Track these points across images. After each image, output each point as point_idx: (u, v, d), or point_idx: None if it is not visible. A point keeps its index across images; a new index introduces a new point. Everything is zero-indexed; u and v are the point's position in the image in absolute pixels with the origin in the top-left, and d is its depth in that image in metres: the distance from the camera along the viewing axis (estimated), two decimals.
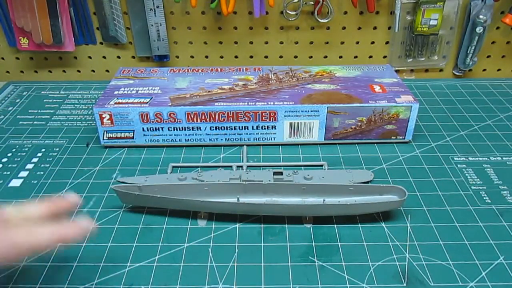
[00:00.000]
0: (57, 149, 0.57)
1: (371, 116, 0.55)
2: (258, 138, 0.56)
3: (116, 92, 0.57)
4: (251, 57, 0.75)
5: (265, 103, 0.54)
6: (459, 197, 0.48)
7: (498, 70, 0.76)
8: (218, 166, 0.53)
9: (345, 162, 0.54)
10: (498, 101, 0.68)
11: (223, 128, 0.55)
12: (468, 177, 0.51)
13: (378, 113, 0.55)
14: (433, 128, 0.61)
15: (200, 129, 0.55)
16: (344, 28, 0.72)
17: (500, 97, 0.69)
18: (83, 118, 0.64)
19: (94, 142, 0.58)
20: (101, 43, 0.74)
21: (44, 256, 0.41)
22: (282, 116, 0.54)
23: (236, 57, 0.75)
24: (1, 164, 0.54)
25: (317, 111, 0.54)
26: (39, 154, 0.56)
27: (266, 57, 0.75)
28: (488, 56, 0.75)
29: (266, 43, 0.74)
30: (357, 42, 0.74)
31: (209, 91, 0.57)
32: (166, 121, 0.54)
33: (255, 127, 0.55)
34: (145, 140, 0.56)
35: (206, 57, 0.75)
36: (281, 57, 0.75)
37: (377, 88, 0.58)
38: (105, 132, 0.55)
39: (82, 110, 0.66)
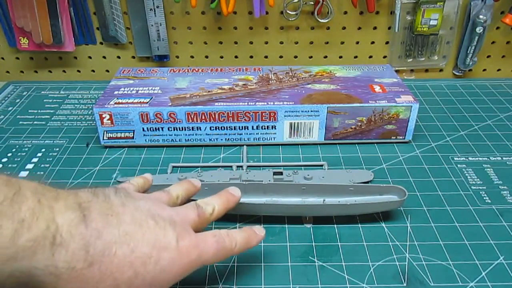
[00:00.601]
0: (57, 149, 0.57)
1: (371, 116, 0.55)
2: (258, 138, 0.56)
3: (116, 92, 0.57)
4: (251, 57, 0.75)
5: (265, 103, 0.54)
6: (459, 197, 0.48)
7: (498, 70, 0.76)
8: (218, 166, 0.53)
9: (345, 162, 0.54)
10: (498, 101, 0.68)
11: (223, 128, 0.55)
12: (468, 177, 0.51)
13: (378, 113, 0.55)
14: (433, 128, 0.61)
15: (200, 129, 0.55)
16: (344, 28, 0.72)
17: (500, 97, 0.69)
18: (83, 118, 0.64)
19: (94, 142, 0.58)
20: (101, 43, 0.74)
21: None
22: (282, 116, 0.55)
23: (236, 57, 0.75)
24: (1, 164, 0.54)
25: (317, 111, 0.54)
26: (39, 154, 0.56)
27: (266, 57, 0.75)
28: (488, 56, 0.75)
29: (266, 43, 0.74)
30: (357, 42, 0.74)
31: (209, 91, 0.57)
32: (166, 121, 0.54)
33: (255, 127, 0.55)
34: (145, 140, 0.56)
35: (206, 57, 0.75)
36: (281, 57, 0.75)
37: (377, 88, 0.58)
38: (105, 132, 0.55)
39: (82, 110, 0.66)
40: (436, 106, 0.66)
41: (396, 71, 0.69)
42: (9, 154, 0.56)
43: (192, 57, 0.75)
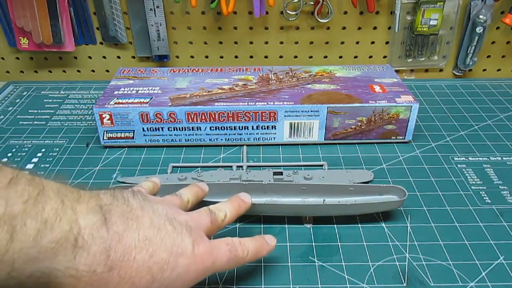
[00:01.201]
0: (57, 149, 0.57)
1: (371, 116, 0.55)
2: (258, 138, 0.56)
3: (116, 92, 0.57)
4: (251, 57, 0.75)
5: (265, 103, 0.54)
6: (459, 197, 0.48)
7: (498, 70, 0.76)
8: (218, 166, 0.53)
9: (345, 162, 0.54)
10: (498, 101, 0.68)
11: (223, 128, 0.55)
12: (468, 177, 0.51)
13: (378, 113, 0.55)
14: (433, 128, 0.61)
15: (200, 129, 0.55)
16: (344, 28, 0.72)
17: (500, 97, 0.69)
18: (83, 118, 0.64)
19: (94, 142, 0.58)
20: (101, 43, 0.74)
21: None
22: (282, 116, 0.55)
23: (236, 57, 0.75)
24: (1, 164, 0.54)
25: (317, 111, 0.54)
26: (39, 154, 0.56)
27: (266, 57, 0.75)
28: (488, 56, 0.75)
29: (266, 43, 0.74)
30: (357, 42, 0.74)
31: (209, 91, 0.57)
32: (166, 121, 0.54)
33: (255, 127, 0.55)
34: (145, 140, 0.56)
35: (206, 57, 0.75)
36: (281, 57, 0.75)
37: (377, 88, 0.58)
38: (105, 132, 0.55)
39: (82, 110, 0.66)
40: (436, 106, 0.66)
41: (396, 71, 0.69)
42: (9, 154, 0.56)
43: (192, 57, 0.75)
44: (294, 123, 0.55)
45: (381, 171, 0.52)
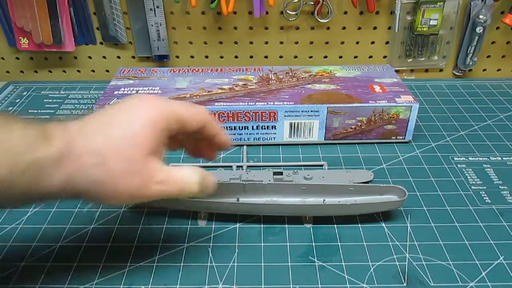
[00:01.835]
0: None
1: (371, 116, 0.55)
2: (258, 138, 0.56)
3: (116, 92, 0.57)
4: (251, 57, 0.75)
5: (265, 103, 0.54)
6: (459, 197, 0.48)
7: (498, 70, 0.76)
8: (218, 166, 0.53)
9: (345, 162, 0.54)
10: (498, 101, 0.68)
11: (223, 128, 0.55)
12: (468, 177, 0.51)
13: (378, 113, 0.55)
14: (433, 128, 0.61)
15: None
16: (344, 28, 0.72)
17: (500, 97, 0.69)
18: None
19: None
20: (101, 43, 0.74)
21: (44, 256, 0.41)
22: (282, 116, 0.54)
23: (236, 57, 0.75)
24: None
25: (317, 111, 0.54)
26: None
27: (266, 57, 0.75)
28: (488, 56, 0.75)
29: (266, 43, 0.74)
30: (357, 42, 0.74)
31: (209, 91, 0.57)
32: None
33: (255, 127, 0.55)
34: None
35: (206, 57, 0.75)
36: (281, 57, 0.75)
37: (377, 88, 0.58)
38: None
39: (82, 110, 0.66)
40: (436, 106, 0.66)
41: (396, 71, 0.69)
42: None
43: (192, 57, 0.75)
44: (294, 123, 0.55)
45: (381, 171, 0.52)
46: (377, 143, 0.57)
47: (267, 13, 0.69)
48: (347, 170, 0.51)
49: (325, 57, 0.75)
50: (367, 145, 0.57)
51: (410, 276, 0.38)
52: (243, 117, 0.55)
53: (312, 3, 0.69)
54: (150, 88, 0.58)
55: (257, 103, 0.54)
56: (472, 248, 0.41)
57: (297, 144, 0.57)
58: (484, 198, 0.48)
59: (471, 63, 0.73)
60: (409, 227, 0.44)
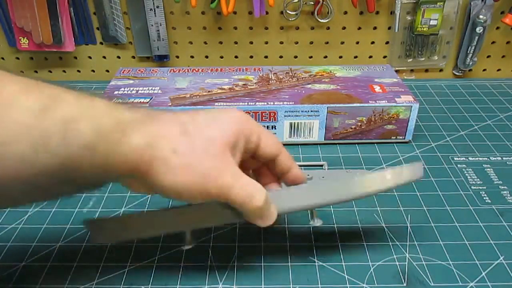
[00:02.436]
0: None
1: (371, 116, 0.55)
2: None
3: (116, 92, 0.57)
4: (251, 57, 0.75)
5: (265, 103, 0.54)
6: (459, 197, 0.48)
7: (498, 70, 0.76)
8: None
9: (345, 162, 0.54)
10: (498, 101, 0.68)
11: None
12: (468, 177, 0.51)
13: (378, 113, 0.55)
14: (433, 128, 0.61)
15: None
16: (344, 28, 0.72)
17: (500, 97, 0.69)
18: None
19: None
20: (101, 43, 0.74)
21: (44, 256, 0.41)
22: (282, 116, 0.55)
23: (236, 57, 0.75)
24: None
25: (317, 111, 0.54)
26: None
27: (266, 57, 0.75)
28: (488, 56, 0.75)
29: (266, 43, 0.74)
30: (357, 42, 0.74)
31: (209, 91, 0.57)
32: None
33: None
34: None
35: (206, 57, 0.75)
36: (281, 57, 0.75)
37: (377, 88, 0.58)
38: None
39: None
40: (436, 106, 0.66)
41: (396, 71, 0.69)
42: None
43: (192, 57, 0.75)
44: (294, 123, 0.55)
45: None
46: (377, 143, 0.57)
47: (267, 13, 0.69)
48: (347, 170, 0.51)
49: (325, 57, 0.75)
50: (367, 145, 0.57)
51: (410, 276, 0.38)
52: None
53: (312, 3, 0.69)
54: (150, 88, 0.58)
55: (257, 103, 0.54)
56: (472, 248, 0.41)
57: (297, 144, 0.57)
58: (484, 198, 0.48)
59: (471, 63, 0.73)
60: (409, 227, 0.44)
